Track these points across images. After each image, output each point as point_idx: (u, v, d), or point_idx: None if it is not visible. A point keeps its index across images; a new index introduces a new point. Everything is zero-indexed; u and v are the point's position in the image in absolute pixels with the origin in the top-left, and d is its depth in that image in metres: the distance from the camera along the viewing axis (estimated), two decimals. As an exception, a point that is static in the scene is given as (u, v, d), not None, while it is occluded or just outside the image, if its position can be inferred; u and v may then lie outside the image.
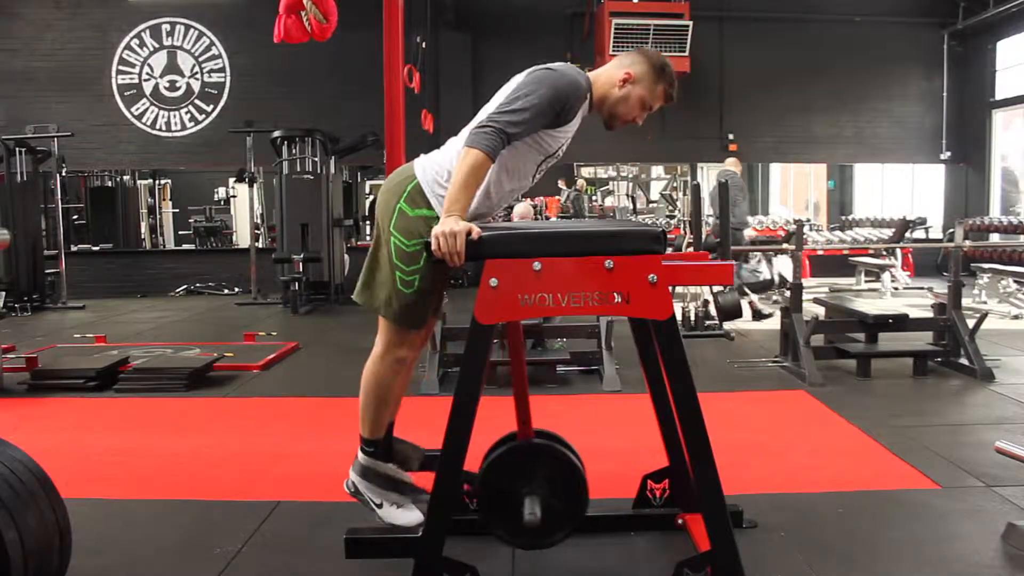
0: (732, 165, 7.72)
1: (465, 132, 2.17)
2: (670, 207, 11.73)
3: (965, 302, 5.50)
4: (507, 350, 5.25)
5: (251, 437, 3.87)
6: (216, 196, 13.42)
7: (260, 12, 8.80)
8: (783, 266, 7.09)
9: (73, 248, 10.48)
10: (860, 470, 3.27)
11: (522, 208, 7.22)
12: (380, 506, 2.33)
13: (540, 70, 2.14)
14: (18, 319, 8.09)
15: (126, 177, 11.70)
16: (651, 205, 12.95)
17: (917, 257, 10.29)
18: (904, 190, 13.32)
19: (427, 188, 2.17)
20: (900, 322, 5.12)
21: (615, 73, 2.23)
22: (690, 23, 9.88)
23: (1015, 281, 7.85)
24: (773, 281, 7.42)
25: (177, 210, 13.22)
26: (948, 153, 11.19)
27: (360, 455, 2.35)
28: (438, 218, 2.08)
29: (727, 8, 10.72)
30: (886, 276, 9.10)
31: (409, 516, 2.32)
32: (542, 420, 4.23)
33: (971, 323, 5.00)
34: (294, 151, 9.01)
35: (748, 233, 7.86)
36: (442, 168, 2.18)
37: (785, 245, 6.14)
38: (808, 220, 11.65)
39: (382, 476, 2.34)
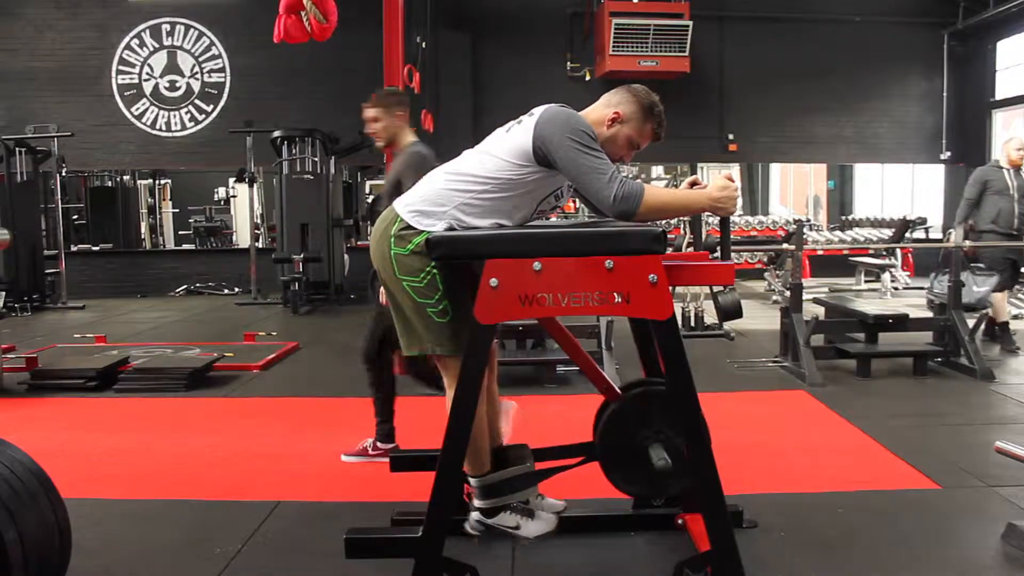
0: (1002, 152, 5.98)
1: (470, 155, 2.22)
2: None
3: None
4: (506, 350, 5.27)
5: (251, 437, 3.87)
6: (216, 196, 13.43)
7: (260, 12, 8.79)
8: (983, 289, 5.44)
9: (73, 248, 10.48)
10: (860, 470, 3.27)
11: None
12: (518, 528, 2.31)
13: (560, 114, 2.13)
14: (18, 319, 8.09)
15: (126, 177, 11.70)
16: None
17: (917, 257, 10.28)
18: (904, 190, 13.32)
19: (409, 217, 2.17)
20: (900, 322, 5.12)
21: (603, 112, 2.23)
22: (690, 23, 9.87)
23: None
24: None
25: (177, 210, 13.23)
26: (948, 153, 11.17)
27: (474, 483, 2.31)
28: (428, 241, 2.11)
29: (727, 8, 10.70)
30: (886, 276, 9.10)
31: (544, 524, 2.32)
32: (542, 419, 4.23)
33: (971, 323, 5.00)
34: (294, 151, 9.01)
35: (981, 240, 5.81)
36: (416, 195, 2.20)
37: (785, 245, 6.13)
38: (809, 220, 11.64)
39: (505, 482, 2.30)
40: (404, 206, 2.20)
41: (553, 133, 2.08)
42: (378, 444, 3.44)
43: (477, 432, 2.24)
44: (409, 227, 2.16)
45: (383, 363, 3.41)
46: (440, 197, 2.17)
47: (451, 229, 2.15)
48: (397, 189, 3.13)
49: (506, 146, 2.16)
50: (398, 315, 2.27)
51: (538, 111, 2.16)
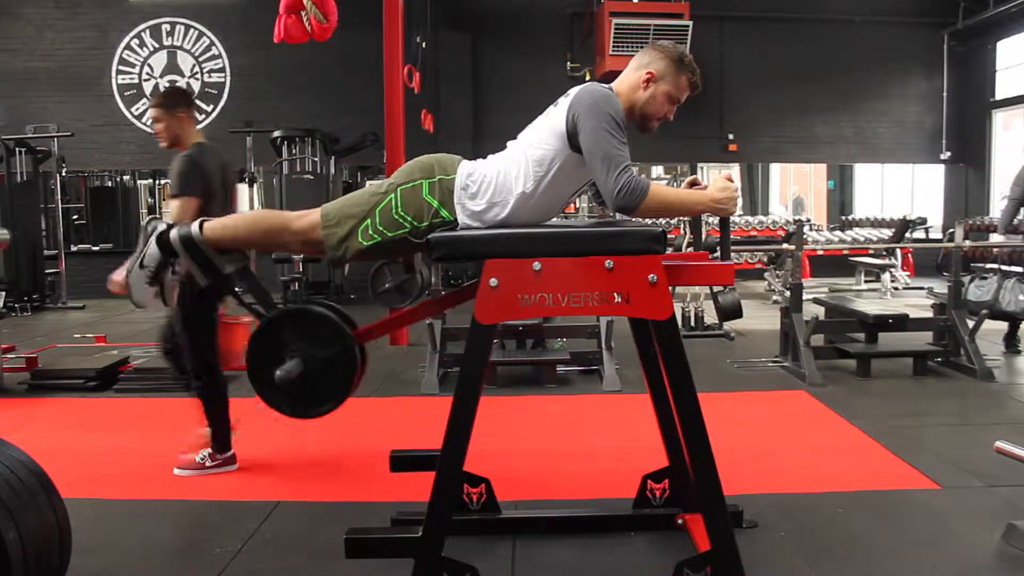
0: None
1: (512, 146, 2.21)
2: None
3: (965, 302, 5.49)
4: (506, 350, 5.27)
5: (252, 437, 3.86)
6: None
7: (260, 12, 8.79)
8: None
9: (73, 248, 10.47)
10: (860, 470, 3.27)
11: None
12: (142, 266, 2.28)
13: (598, 91, 2.13)
14: (18, 319, 8.08)
15: (126, 177, 11.70)
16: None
17: (917, 257, 10.29)
18: (904, 190, 13.33)
19: (457, 192, 2.14)
20: (900, 322, 5.12)
21: (636, 76, 2.23)
22: (690, 23, 9.87)
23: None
24: (995, 305, 5.27)
25: (177, 210, 13.21)
26: (948, 153, 11.18)
27: (202, 235, 2.26)
28: (443, 219, 2.11)
29: (727, 8, 10.71)
30: (886, 276, 9.10)
31: (150, 295, 2.29)
32: (542, 420, 4.23)
33: (971, 323, 5.00)
34: (294, 151, 9.01)
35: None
36: (476, 177, 2.15)
37: (785, 245, 6.13)
38: (809, 220, 11.64)
39: (207, 259, 2.26)
40: (466, 175, 2.16)
41: (587, 109, 2.07)
42: (216, 454, 3.31)
43: (265, 243, 2.30)
44: (451, 192, 2.14)
45: (214, 365, 3.27)
46: (490, 182, 2.15)
47: (458, 227, 2.14)
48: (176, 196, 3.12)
49: (543, 132, 2.16)
50: (357, 191, 2.27)
51: (575, 89, 2.16)
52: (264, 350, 2.21)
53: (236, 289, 2.39)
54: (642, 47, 2.36)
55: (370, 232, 2.15)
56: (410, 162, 2.25)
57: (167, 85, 10.38)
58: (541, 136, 2.16)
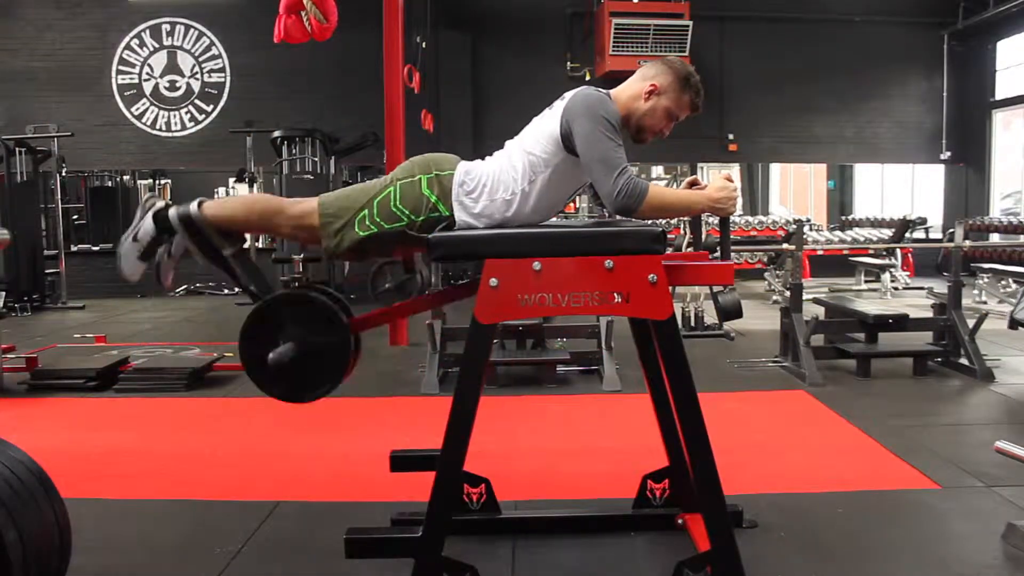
0: None
1: (510, 145, 2.22)
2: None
3: (965, 302, 5.50)
4: (506, 350, 5.27)
5: (251, 437, 3.87)
6: (216, 196, 13.41)
7: (260, 12, 8.79)
8: None
9: (73, 248, 10.47)
10: (860, 470, 3.27)
11: None
12: (135, 240, 2.24)
13: (592, 95, 2.13)
14: (18, 319, 8.08)
15: (126, 177, 11.70)
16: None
17: (917, 257, 10.29)
18: (904, 190, 13.33)
19: (455, 188, 2.15)
20: (900, 322, 5.12)
21: (640, 86, 2.22)
22: (690, 23, 9.88)
23: (1015, 281, 7.85)
24: None
25: (177, 210, 13.21)
26: (948, 153, 11.18)
27: (198, 208, 2.23)
28: (440, 214, 2.11)
29: (727, 8, 10.71)
30: (886, 276, 9.10)
31: (138, 270, 2.26)
32: (542, 420, 4.23)
33: (971, 323, 5.00)
34: (294, 151, 9.02)
35: None
36: (474, 175, 2.16)
37: (785, 245, 6.13)
38: (808, 219, 11.63)
39: (204, 235, 2.23)
40: (463, 172, 2.17)
41: (581, 113, 2.08)
42: None
43: (260, 224, 2.33)
44: (447, 188, 2.14)
45: None
46: (487, 182, 2.15)
47: (460, 227, 2.14)
48: None
49: (539, 134, 2.16)
50: (356, 184, 2.30)
51: (570, 93, 2.17)
52: (259, 333, 2.25)
53: (234, 270, 2.39)
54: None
55: (367, 223, 2.15)
56: (410, 159, 2.25)
57: (166, 85, 10.39)
58: (536, 138, 2.16)
